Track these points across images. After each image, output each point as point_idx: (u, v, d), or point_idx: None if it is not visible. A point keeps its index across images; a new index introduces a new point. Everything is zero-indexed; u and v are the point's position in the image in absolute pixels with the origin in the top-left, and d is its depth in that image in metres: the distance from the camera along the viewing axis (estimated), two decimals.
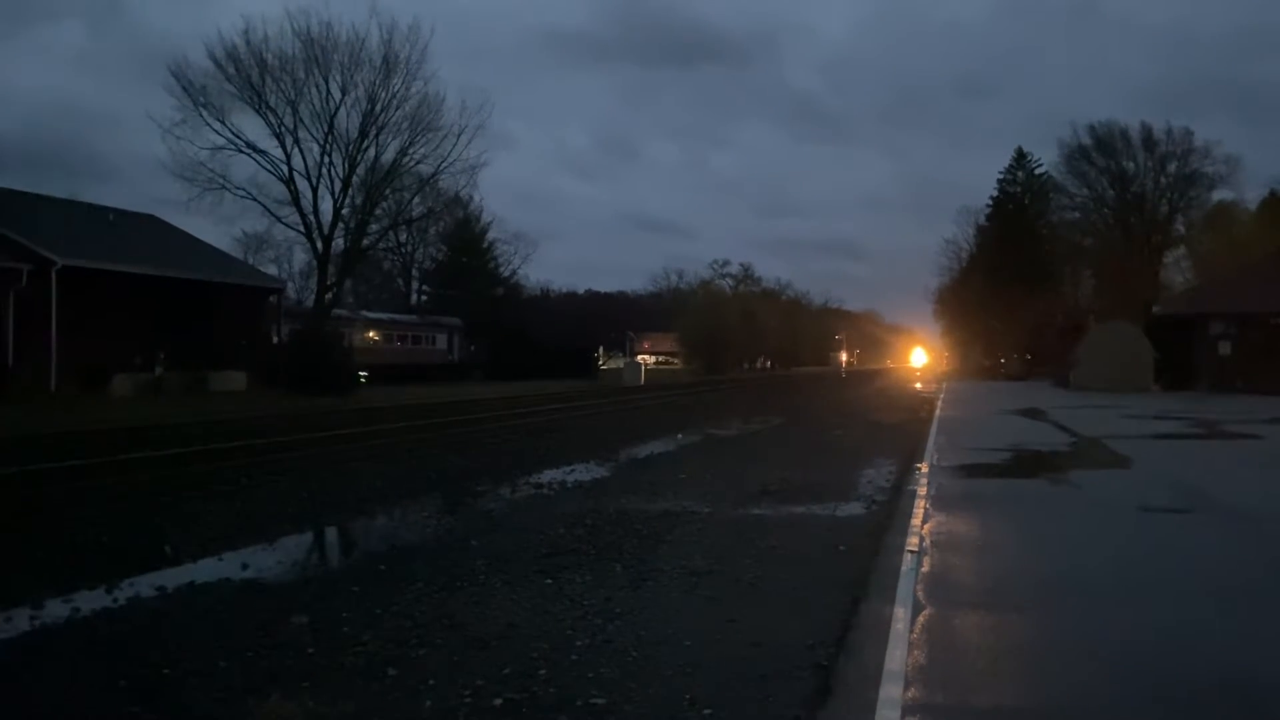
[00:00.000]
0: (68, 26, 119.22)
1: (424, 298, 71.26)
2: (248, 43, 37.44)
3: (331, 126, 39.44)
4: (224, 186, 38.02)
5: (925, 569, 6.81)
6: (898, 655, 4.77)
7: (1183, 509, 9.61)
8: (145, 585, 6.37)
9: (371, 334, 50.09)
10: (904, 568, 6.77)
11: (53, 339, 27.18)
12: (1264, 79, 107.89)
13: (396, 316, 57.44)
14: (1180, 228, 64.37)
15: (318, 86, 39.04)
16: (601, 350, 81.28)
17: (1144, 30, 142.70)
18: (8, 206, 30.01)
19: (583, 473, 12.84)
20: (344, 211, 40.92)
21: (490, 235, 71.43)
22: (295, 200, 39.77)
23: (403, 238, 64.56)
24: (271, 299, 40.07)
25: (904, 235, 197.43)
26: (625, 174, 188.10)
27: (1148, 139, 62.41)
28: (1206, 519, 9.26)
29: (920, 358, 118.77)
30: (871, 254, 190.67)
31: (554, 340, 60.78)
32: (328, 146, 39.66)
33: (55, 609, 5.77)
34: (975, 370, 74.61)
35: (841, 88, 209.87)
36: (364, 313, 53.72)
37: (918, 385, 57.38)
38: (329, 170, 39.99)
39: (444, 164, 41.49)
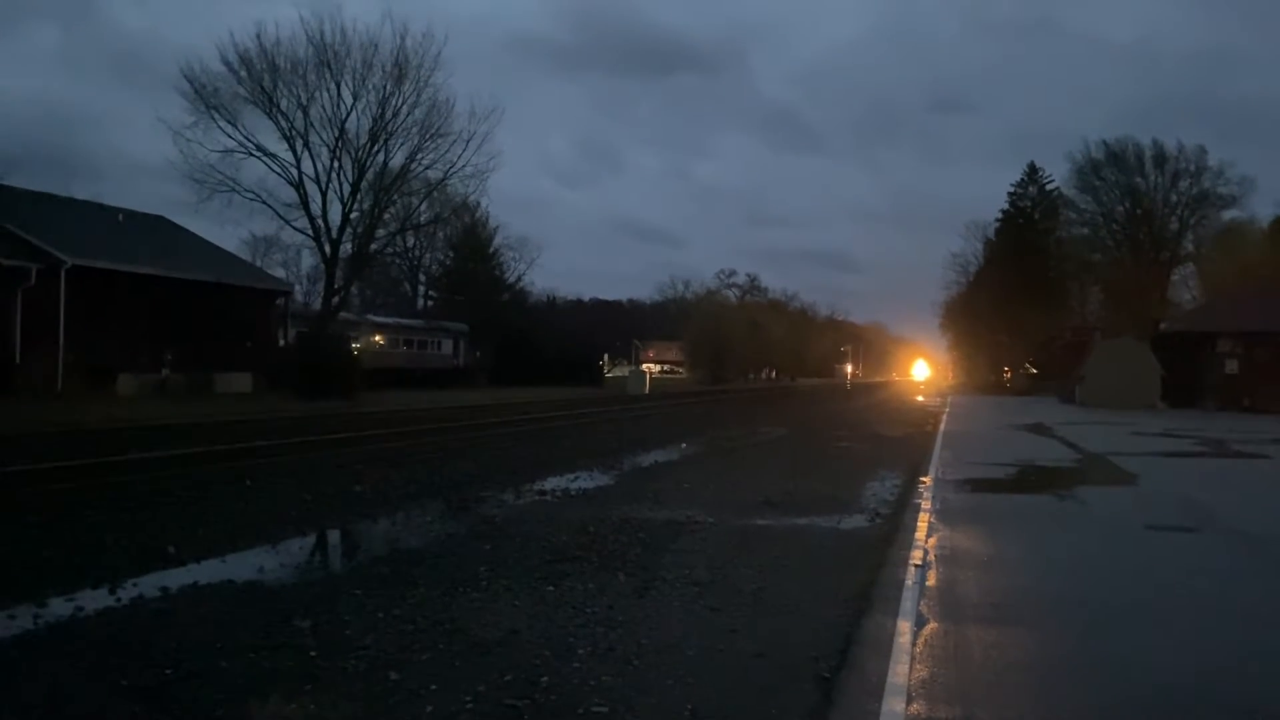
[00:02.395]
0: (74, 29, 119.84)
1: (430, 303, 71.41)
2: (260, 46, 37.60)
3: (342, 131, 39.53)
4: (234, 189, 38.07)
5: (929, 583, 6.79)
6: (901, 669, 4.75)
7: (1189, 528, 9.57)
8: (148, 585, 6.37)
9: (377, 338, 50.15)
10: (908, 581, 6.75)
11: (60, 338, 27.29)
12: (1273, 97, 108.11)
13: (402, 321, 57.52)
14: (1190, 245, 64.21)
15: (329, 91, 39.18)
16: (606, 358, 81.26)
17: (1154, 46, 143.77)
18: (17, 205, 30.19)
19: (586, 480, 12.82)
20: (352, 216, 40.96)
21: (496, 241, 71.61)
22: (304, 204, 39.84)
23: (410, 243, 64.80)
24: (278, 301, 40.16)
25: (913, 249, 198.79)
26: (617, 183, 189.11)
27: (1160, 155, 62.36)
28: (1213, 538, 9.22)
29: (922, 370, 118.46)
30: (879, 268, 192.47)
31: (559, 347, 60.78)
32: (338, 151, 39.74)
33: (59, 607, 5.77)
34: (980, 384, 74.50)
35: (838, 100, 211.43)
36: (370, 316, 53.86)
37: (920, 398, 57.29)
38: (338, 174, 40.06)
39: (453, 169, 41.58)
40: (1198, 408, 36.47)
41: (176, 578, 6.65)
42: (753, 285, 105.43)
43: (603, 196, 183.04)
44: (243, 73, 37.38)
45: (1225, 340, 38.31)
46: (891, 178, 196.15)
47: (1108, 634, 5.56)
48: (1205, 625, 5.83)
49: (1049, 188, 74.98)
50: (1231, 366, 37.97)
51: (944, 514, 10.10)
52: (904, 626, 5.53)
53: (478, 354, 59.68)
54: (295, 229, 41.46)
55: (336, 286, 42.49)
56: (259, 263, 57.13)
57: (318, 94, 38.92)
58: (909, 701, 4.30)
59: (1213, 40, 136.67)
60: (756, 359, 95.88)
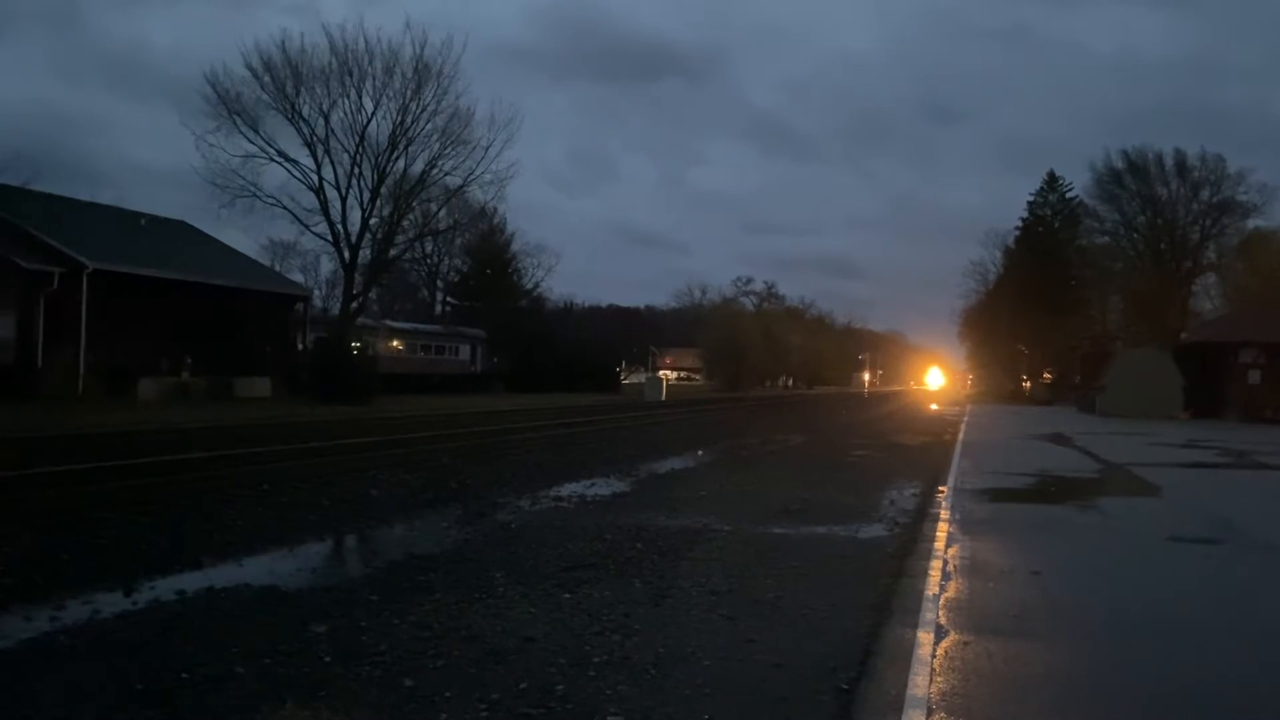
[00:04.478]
0: (81, 36, 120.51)
1: (448, 308, 71.68)
2: (284, 53, 37.95)
3: (363, 137, 39.83)
4: (254, 194, 38.45)
5: (949, 594, 6.71)
6: (920, 681, 4.68)
7: (1213, 539, 9.42)
8: (165, 589, 6.38)
9: (395, 343, 50.36)
10: (927, 592, 6.67)
11: (81, 341, 27.53)
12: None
13: (420, 326, 57.75)
14: (1211, 255, 63.61)
15: (350, 98, 39.47)
16: (624, 364, 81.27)
17: (1165, 55, 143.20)
18: (41, 209, 30.50)
19: (603, 487, 12.79)
20: (371, 221, 41.26)
21: (513, 247, 71.86)
22: (324, 209, 40.12)
23: (428, 248, 65.13)
24: (298, 307, 40.39)
25: (926, 256, 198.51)
26: (621, 190, 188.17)
27: (1180, 165, 61.86)
28: (1237, 550, 9.07)
29: (937, 379, 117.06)
30: (892, 276, 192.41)
31: (576, 353, 60.82)
32: (358, 157, 40.03)
33: (75, 610, 5.79)
34: (999, 393, 73.98)
35: (835, 108, 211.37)
36: (388, 322, 54.06)
37: (934, 406, 56.96)
38: (358, 180, 40.35)
39: (472, 176, 41.78)
40: (1220, 418, 36.06)
41: (193, 581, 6.66)
42: (769, 293, 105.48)
43: (606, 203, 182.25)
44: (266, 79, 37.79)
45: (1248, 350, 37.86)
46: (895, 185, 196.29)
47: (1130, 646, 5.47)
48: (1229, 638, 5.72)
49: (1069, 196, 74.59)
50: (1254, 377, 37.52)
51: (964, 524, 10.00)
52: (924, 637, 5.46)
53: (495, 360, 59.83)
54: (315, 234, 41.82)
55: (355, 292, 42.73)
56: (278, 268, 57.52)
57: (339, 100, 39.30)
58: (929, 714, 4.23)
59: (1214, 49, 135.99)
60: (773, 366, 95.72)
